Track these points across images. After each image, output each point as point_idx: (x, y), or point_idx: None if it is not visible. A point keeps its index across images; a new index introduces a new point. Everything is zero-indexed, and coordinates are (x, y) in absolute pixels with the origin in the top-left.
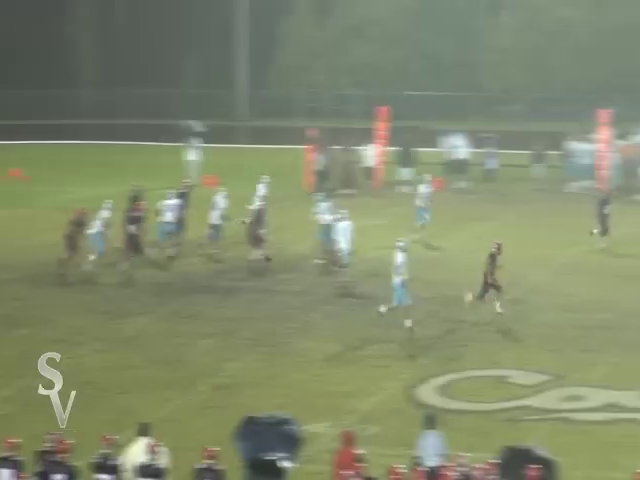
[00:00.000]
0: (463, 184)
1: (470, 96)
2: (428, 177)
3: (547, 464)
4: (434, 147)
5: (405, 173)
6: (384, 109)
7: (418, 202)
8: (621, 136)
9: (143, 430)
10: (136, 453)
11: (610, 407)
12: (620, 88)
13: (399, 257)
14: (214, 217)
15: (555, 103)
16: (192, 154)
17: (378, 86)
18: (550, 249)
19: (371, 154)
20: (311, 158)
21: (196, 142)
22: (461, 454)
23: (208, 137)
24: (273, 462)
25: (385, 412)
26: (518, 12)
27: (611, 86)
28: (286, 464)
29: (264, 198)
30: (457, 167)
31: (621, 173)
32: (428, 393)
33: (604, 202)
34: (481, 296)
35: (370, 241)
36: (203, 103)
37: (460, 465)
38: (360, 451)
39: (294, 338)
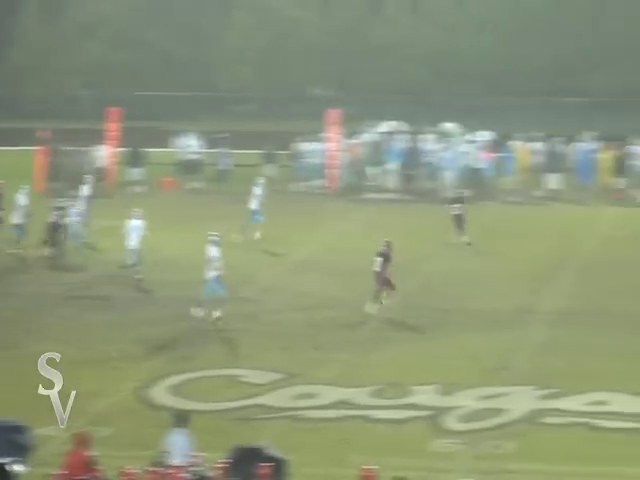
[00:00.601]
0: (196, 184)
1: (203, 96)
2: (261, 180)
3: (277, 462)
4: (167, 147)
5: (135, 174)
6: (115, 110)
7: (252, 204)
8: (350, 135)
9: None
10: None
11: (341, 404)
12: (349, 88)
13: (212, 251)
14: (17, 216)
15: (286, 103)
16: None
17: (110, 87)
18: (284, 248)
19: (102, 155)
20: (42, 159)
21: None
22: (195, 454)
23: None
24: (2, 466)
25: (118, 413)
26: (249, 12)
27: (340, 86)
28: (16, 468)
29: None
30: (190, 167)
31: (350, 172)
32: (162, 393)
33: (453, 201)
34: (378, 295)
35: (113, 242)
36: None
37: (194, 465)
38: (93, 453)
39: (29, 341)
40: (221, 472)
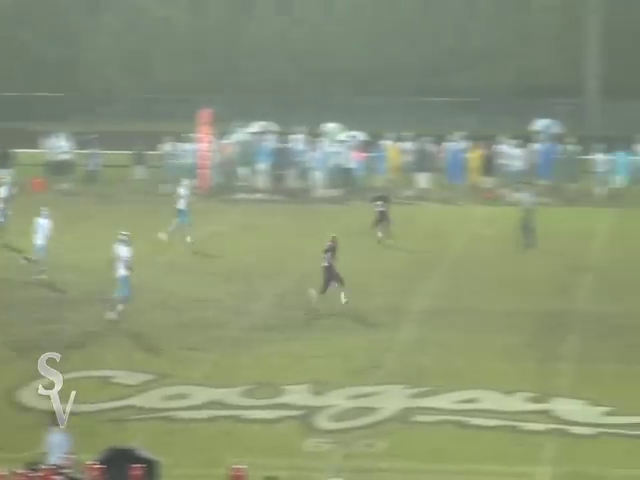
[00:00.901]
0: (65, 185)
1: (72, 97)
2: (186, 181)
3: (149, 464)
4: (36, 148)
5: (4, 174)
6: None
7: (179, 205)
8: (220, 135)
9: None
10: None
11: (212, 404)
12: (219, 87)
13: (122, 250)
14: None
15: (157, 103)
16: None
17: None
18: (152, 247)
19: None
20: None
21: None
22: (66, 456)
23: None
24: None
25: None
26: (118, 13)
27: (211, 85)
28: None
29: None
30: (59, 168)
31: (221, 172)
32: (31, 395)
33: (377, 199)
34: (324, 290)
35: None
36: None
37: (65, 467)
38: None
39: None
40: (92, 474)
